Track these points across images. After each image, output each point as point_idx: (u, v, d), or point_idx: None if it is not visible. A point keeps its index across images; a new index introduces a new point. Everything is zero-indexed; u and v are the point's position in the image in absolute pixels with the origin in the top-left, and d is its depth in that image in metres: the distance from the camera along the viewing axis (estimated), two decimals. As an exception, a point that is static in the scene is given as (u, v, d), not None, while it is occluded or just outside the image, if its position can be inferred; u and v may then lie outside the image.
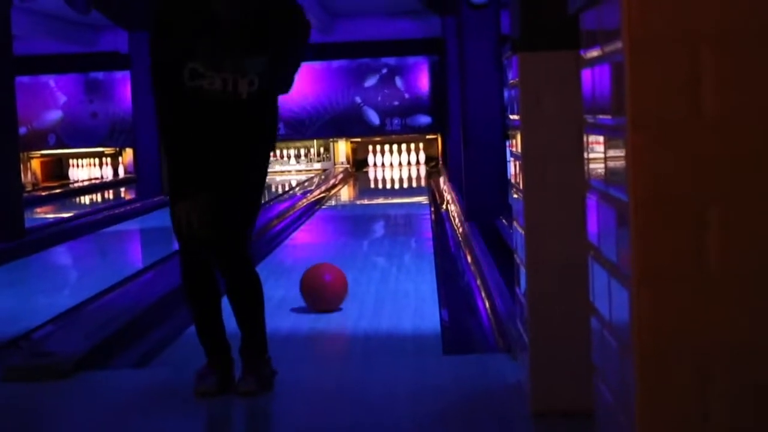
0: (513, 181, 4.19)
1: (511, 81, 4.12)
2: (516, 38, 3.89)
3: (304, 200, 14.87)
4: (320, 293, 6.32)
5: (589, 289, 2.55)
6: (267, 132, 4.28)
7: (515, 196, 4.11)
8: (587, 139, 2.51)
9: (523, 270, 3.95)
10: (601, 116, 2.32)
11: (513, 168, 4.17)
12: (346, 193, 18.10)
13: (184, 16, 4.13)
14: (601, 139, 2.34)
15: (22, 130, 20.32)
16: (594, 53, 2.35)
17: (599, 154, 2.36)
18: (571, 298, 3.69)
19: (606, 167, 2.30)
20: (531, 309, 3.84)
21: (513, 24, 4.02)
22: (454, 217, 11.79)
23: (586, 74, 2.47)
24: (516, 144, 4.01)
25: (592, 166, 2.47)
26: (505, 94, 12.15)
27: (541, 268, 3.81)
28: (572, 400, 3.69)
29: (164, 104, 4.17)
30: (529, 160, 3.83)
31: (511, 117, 4.16)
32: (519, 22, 3.86)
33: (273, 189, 18.75)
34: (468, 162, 10.56)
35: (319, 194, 16.28)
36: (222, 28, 4.12)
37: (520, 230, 3.97)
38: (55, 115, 22.68)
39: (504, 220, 9.74)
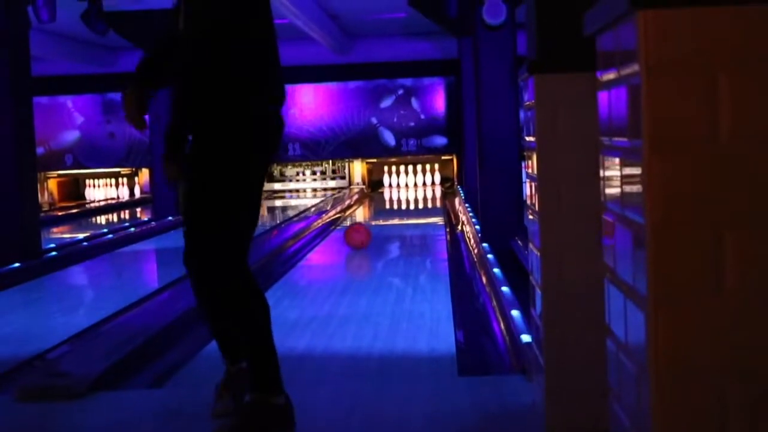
0: (528, 202, 4.19)
1: (527, 102, 4.13)
2: (532, 60, 3.90)
3: (319, 221, 14.88)
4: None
5: (605, 311, 2.54)
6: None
7: (531, 217, 4.11)
8: (603, 161, 2.50)
9: (538, 292, 3.95)
10: (617, 138, 2.32)
11: (528, 189, 4.17)
12: (361, 214, 18.10)
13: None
14: (617, 161, 2.33)
15: (40, 150, 20.42)
16: (611, 75, 2.36)
17: (615, 175, 2.36)
18: (586, 320, 3.69)
19: (622, 189, 2.30)
20: (546, 331, 3.83)
21: (529, 45, 4.03)
22: (469, 238, 11.78)
23: (603, 96, 2.47)
24: (532, 165, 4.01)
25: (608, 188, 2.47)
26: (521, 114, 12.15)
27: (557, 289, 3.80)
28: (587, 422, 3.68)
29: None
30: (545, 182, 3.83)
31: (527, 138, 4.16)
32: (535, 43, 3.86)
33: (288, 210, 18.78)
34: (483, 183, 10.56)
35: (334, 215, 16.30)
36: None
37: (536, 252, 3.97)
38: (72, 136, 22.78)
39: (519, 242, 9.73)
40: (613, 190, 2.40)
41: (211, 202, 3.82)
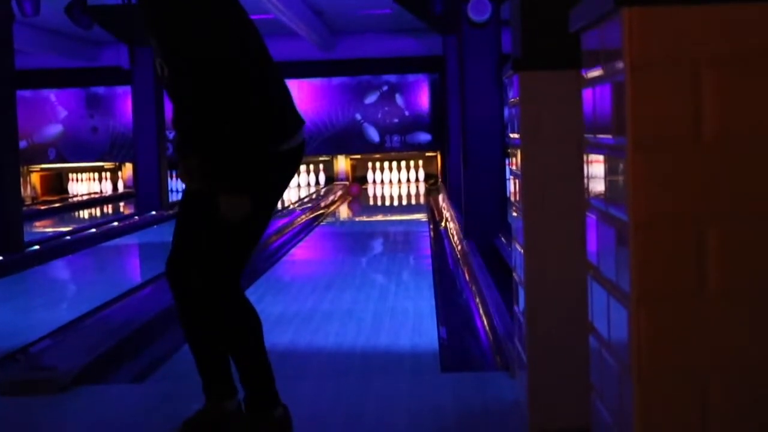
0: (512, 199, 4.19)
1: (512, 99, 4.13)
2: (517, 57, 3.91)
3: (303, 216, 14.87)
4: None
5: (587, 309, 2.55)
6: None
7: (515, 214, 4.12)
8: (587, 158, 2.51)
9: (521, 289, 3.96)
10: (601, 136, 2.33)
11: (512, 186, 4.17)
12: (345, 210, 18.10)
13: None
14: (601, 158, 2.34)
15: (23, 143, 20.36)
16: (595, 73, 2.36)
17: (599, 173, 2.37)
18: (569, 318, 3.70)
19: (606, 186, 2.30)
20: (529, 327, 3.84)
21: (514, 43, 4.04)
22: (452, 234, 11.79)
23: (587, 94, 2.48)
24: (516, 163, 4.01)
25: (592, 185, 2.48)
26: (506, 112, 12.17)
27: (540, 286, 3.81)
28: (570, 419, 3.69)
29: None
30: (529, 179, 3.84)
31: (511, 135, 4.17)
32: (520, 41, 3.87)
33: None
34: (468, 180, 10.56)
35: (318, 210, 16.29)
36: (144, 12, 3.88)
37: (519, 249, 3.98)
38: (55, 130, 22.71)
39: (503, 239, 9.74)
40: (596, 188, 2.41)
41: (229, 233, 3.70)
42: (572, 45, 2.83)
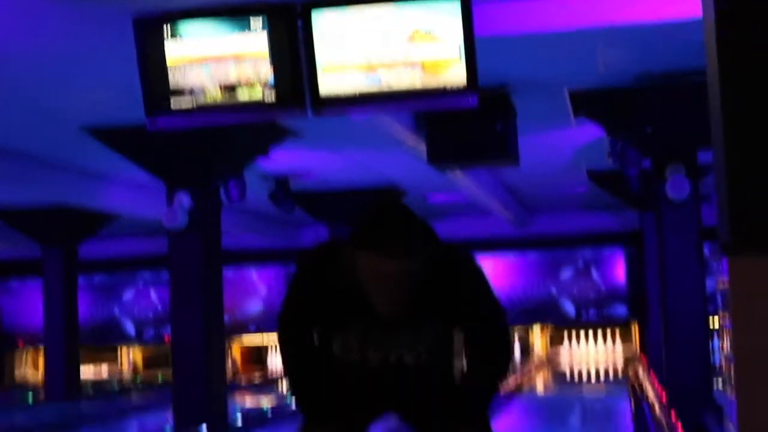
0: (726, 378, 4.16)
1: (722, 282, 4.13)
2: (726, 241, 3.89)
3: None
4: None
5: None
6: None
7: (728, 394, 4.08)
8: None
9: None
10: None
11: (724, 365, 4.15)
12: (541, 382, 17.95)
13: (335, 296, 3.51)
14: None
15: (225, 318, 20.98)
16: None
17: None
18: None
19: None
20: None
21: (721, 224, 4.02)
22: (655, 409, 11.56)
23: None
24: (727, 345, 4.00)
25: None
26: (708, 282, 12.00)
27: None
28: None
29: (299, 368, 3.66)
30: (742, 363, 3.80)
31: (721, 314, 4.16)
32: (728, 224, 3.85)
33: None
34: (670, 355, 10.41)
35: (515, 382, 16.22)
36: (384, 322, 3.48)
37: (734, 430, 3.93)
38: (256, 306, 23.41)
39: (708, 414, 9.52)
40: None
41: None
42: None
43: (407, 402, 3.69)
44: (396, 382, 3.60)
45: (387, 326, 3.48)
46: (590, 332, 23.26)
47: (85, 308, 23.12)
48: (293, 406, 3.74)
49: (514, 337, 23.29)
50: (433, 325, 3.53)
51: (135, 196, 15.64)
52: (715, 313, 11.13)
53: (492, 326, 3.57)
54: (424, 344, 3.53)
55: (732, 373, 3.96)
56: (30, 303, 23.02)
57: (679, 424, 9.23)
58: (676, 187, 10.17)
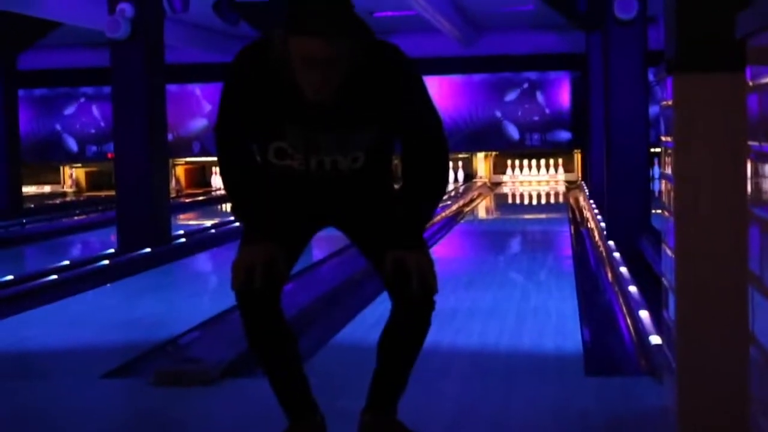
0: (663, 201, 4.13)
1: (665, 102, 4.06)
2: (671, 58, 3.83)
3: (443, 214, 14.89)
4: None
5: (747, 318, 2.50)
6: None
7: (665, 216, 4.05)
8: (753, 166, 2.46)
9: (671, 294, 3.89)
10: None
11: (663, 188, 4.11)
12: (483, 208, 18.07)
13: (265, 95, 3.42)
14: (767, 167, 2.30)
15: (169, 137, 20.80)
16: (764, 80, 2.32)
17: (764, 181, 2.32)
18: (722, 324, 3.62)
19: (772, 195, 2.26)
20: (680, 334, 3.78)
21: (667, 43, 3.96)
22: (594, 234, 11.68)
23: (753, 99, 2.43)
24: (668, 165, 3.95)
25: (755, 193, 2.43)
26: (652, 110, 11.99)
27: (692, 293, 3.74)
28: (722, 428, 3.62)
29: (234, 175, 3.59)
30: (682, 183, 3.77)
31: (663, 138, 4.10)
32: (675, 42, 3.79)
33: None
34: (611, 180, 10.45)
35: (457, 209, 16.31)
36: (315, 114, 3.38)
37: (670, 253, 3.92)
38: (200, 123, 23.17)
39: (646, 240, 9.61)
40: (761, 196, 2.36)
41: None
42: (731, 46, 2.78)
43: (344, 211, 3.65)
44: (331, 189, 3.55)
45: (321, 128, 3.41)
46: (533, 161, 23.40)
47: (26, 123, 22.81)
48: (236, 224, 3.68)
49: (458, 163, 23.40)
50: (368, 130, 3.45)
51: (77, 3, 15.24)
52: (657, 140, 11.17)
53: (432, 135, 3.47)
54: (359, 149, 3.46)
55: (668, 192, 3.92)
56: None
57: (616, 250, 9.32)
58: (623, 6, 10.05)
